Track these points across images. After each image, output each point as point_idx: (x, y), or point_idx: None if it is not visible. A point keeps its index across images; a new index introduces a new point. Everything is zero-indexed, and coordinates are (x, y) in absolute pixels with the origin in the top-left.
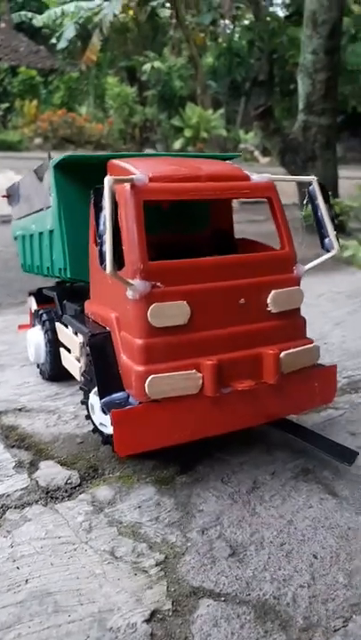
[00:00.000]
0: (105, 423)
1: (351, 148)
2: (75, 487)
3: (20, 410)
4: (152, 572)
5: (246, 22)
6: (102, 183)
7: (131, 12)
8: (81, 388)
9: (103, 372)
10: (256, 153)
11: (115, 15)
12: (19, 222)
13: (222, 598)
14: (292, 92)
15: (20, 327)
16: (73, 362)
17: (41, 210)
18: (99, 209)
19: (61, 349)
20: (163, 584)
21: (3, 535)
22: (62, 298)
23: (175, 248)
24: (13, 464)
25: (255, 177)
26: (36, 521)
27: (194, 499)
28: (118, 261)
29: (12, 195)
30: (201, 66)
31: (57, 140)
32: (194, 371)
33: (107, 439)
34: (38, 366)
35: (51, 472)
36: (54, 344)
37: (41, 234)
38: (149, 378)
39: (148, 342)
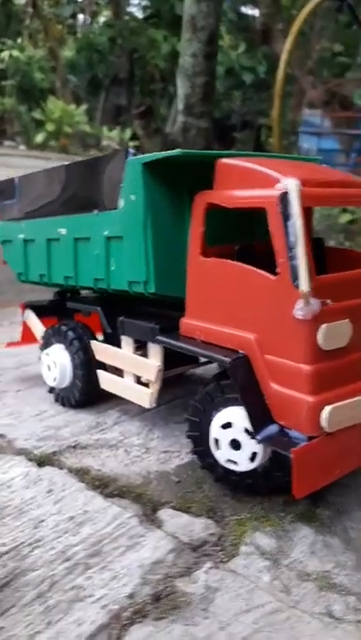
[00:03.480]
0: (235, 460)
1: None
2: (220, 538)
3: (74, 447)
4: None
5: (104, 19)
6: (198, 185)
7: None
8: (189, 420)
9: (253, 402)
10: None
11: None
12: (15, 224)
13: None
14: (152, 92)
15: (10, 344)
16: (132, 386)
17: (83, 212)
18: (285, 217)
19: (100, 372)
20: None
21: (202, 616)
22: (108, 312)
23: (263, 257)
24: (134, 519)
25: None
26: (224, 590)
27: (351, 533)
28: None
29: (0, 192)
30: (60, 59)
31: None
32: None
33: (224, 476)
34: (52, 391)
35: (180, 523)
36: (87, 366)
37: (80, 240)
38: (327, 409)
39: (317, 368)
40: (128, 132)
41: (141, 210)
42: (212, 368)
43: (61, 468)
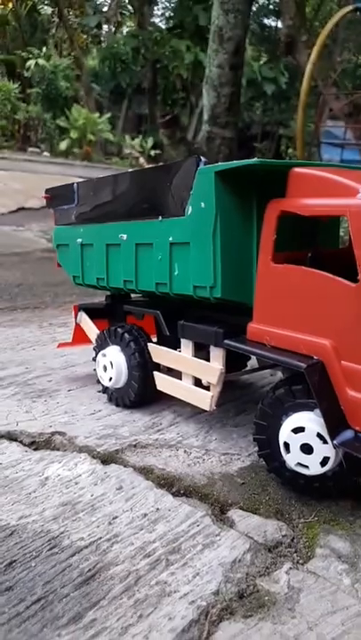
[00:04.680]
0: (306, 464)
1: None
2: (293, 539)
3: (134, 446)
4: None
5: (128, 29)
6: (266, 194)
7: (10, 5)
8: (257, 423)
9: (329, 407)
10: (141, 159)
11: None
12: (73, 229)
13: None
14: (174, 102)
15: (61, 345)
16: (192, 389)
17: (146, 218)
18: None
19: (157, 373)
20: None
21: (289, 615)
22: (167, 316)
23: (332, 264)
24: (206, 518)
25: None
26: (307, 591)
27: None
28: None
29: (57, 197)
30: (85, 68)
31: None
32: None
33: (291, 479)
34: (105, 391)
35: (253, 524)
36: (144, 367)
37: (141, 245)
38: None
39: None
40: (150, 141)
41: (211, 217)
42: (261, 374)
43: (126, 467)
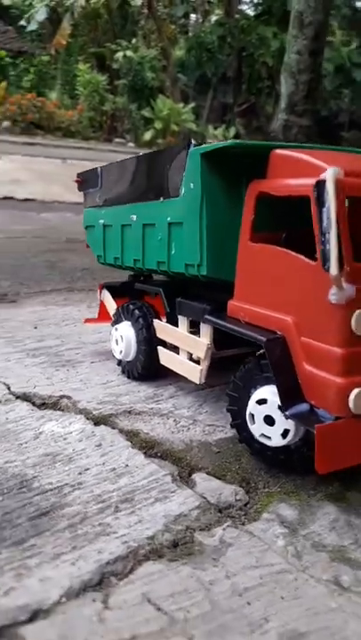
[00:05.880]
0: (268, 435)
1: None
2: (245, 504)
3: (129, 412)
4: None
5: (216, 17)
6: (248, 174)
7: None
8: (229, 395)
9: (285, 381)
10: None
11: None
12: (97, 211)
13: None
14: (260, 90)
15: (87, 321)
16: (186, 363)
17: (152, 199)
18: (320, 204)
19: (160, 348)
20: None
21: (212, 564)
22: (169, 294)
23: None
24: (168, 477)
25: None
26: (237, 546)
27: None
28: (340, 262)
29: (86, 180)
30: (172, 58)
31: (25, 124)
32: None
33: (260, 451)
34: (119, 363)
35: (211, 486)
36: (150, 342)
37: (147, 225)
38: (355, 392)
39: (349, 352)
40: (233, 130)
41: (198, 197)
42: None
43: (114, 428)
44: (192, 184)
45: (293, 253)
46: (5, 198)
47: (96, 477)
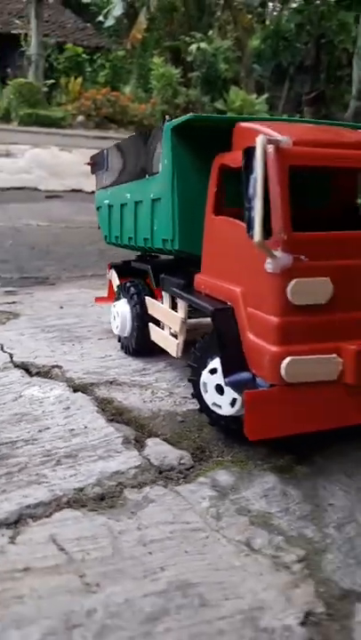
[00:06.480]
0: (219, 403)
1: None
2: (189, 468)
3: (111, 383)
4: (295, 569)
5: (295, 5)
6: (221, 150)
7: None
8: (190, 366)
9: (228, 349)
10: None
11: None
12: (104, 192)
13: None
14: (339, 79)
15: (97, 300)
16: (168, 337)
17: (142, 177)
18: (249, 172)
19: (150, 324)
20: (309, 583)
21: (127, 516)
22: (157, 271)
23: (301, 223)
24: (120, 439)
25: None
26: (159, 503)
27: (320, 491)
28: (267, 230)
29: (97, 163)
30: (247, 48)
31: (99, 118)
32: (334, 355)
33: (216, 420)
34: (119, 340)
35: (160, 450)
36: (142, 318)
37: (138, 203)
38: (287, 360)
39: (285, 321)
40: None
41: (170, 172)
42: None
43: (89, 396)
44: (166, 160)
45: (241, 223)
46: (74, 190)
47: (53, 435)
